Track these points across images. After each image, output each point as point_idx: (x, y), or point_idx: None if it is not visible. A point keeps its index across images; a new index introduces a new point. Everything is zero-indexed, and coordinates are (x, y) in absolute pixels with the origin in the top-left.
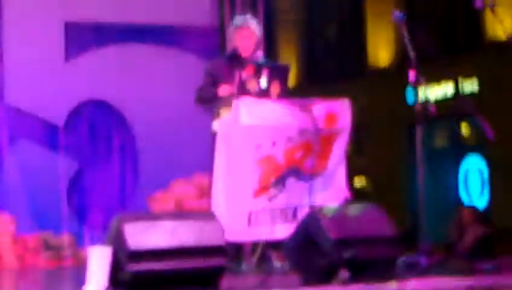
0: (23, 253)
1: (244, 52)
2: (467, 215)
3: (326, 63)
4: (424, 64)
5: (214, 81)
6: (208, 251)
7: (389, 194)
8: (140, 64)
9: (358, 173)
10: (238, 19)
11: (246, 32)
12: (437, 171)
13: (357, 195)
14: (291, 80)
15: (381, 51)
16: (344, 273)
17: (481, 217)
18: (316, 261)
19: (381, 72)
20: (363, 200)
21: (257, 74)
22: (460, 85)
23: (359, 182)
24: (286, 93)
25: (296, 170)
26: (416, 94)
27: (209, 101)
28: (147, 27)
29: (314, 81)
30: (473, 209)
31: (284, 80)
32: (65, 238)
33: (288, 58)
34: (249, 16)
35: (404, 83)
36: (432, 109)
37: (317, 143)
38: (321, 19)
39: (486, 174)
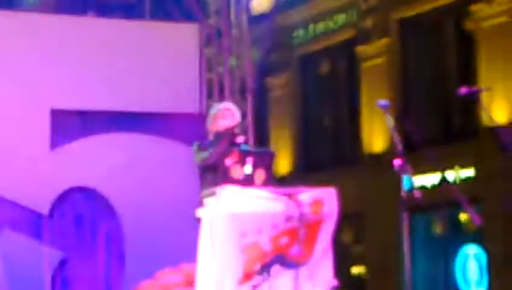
0: None
1: (227, 129)
2: None
3: (319, 151)
4: (417, 152)
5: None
6: None
7: (386, 282)
8: (127, 152)
9: (357, 262)
10: (217, 105)
11: (227, 112)
12: (436, 259)
13: (352, 284)
14: (285, 168)
15: (376, 138)
16: None
17: None
18: None
19: (376, 159)
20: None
21: (241, 161)
22: (455, 172)
23: (355, 270)
24: (271, 180)
25: (281, 257)
26: (403, 182)
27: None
28: (133, 115)
29: (307, 170)
30: None
31: (268, 167)
32: None
33: (281, 147)
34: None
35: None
36: (418, 195)
37: (302, 229)
38: (314, 109)
39: (484, 262)
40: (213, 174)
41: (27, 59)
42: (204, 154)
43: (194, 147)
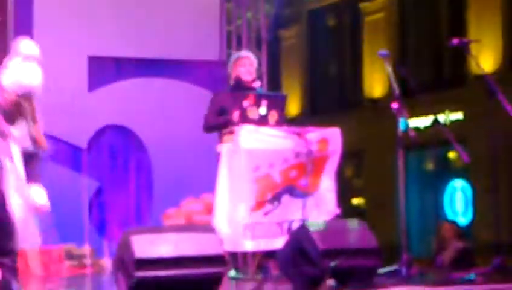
0: (48, 262)
1: (245, 77)
2: (447, 231)
3: (325, 95)
4: (412, 97)
5: (219, 111)
6: (207, 260)
7: (383, 212)
8: (155, 95)
9: (357, 194)
10: (237, 53)
11: (246, 60)
12: (426, 192)
13: (352, 213)
14: (295, 110)
15: (376, 85)
16: (330, 282)
17: (460, 232)
18: (305, 270)
19: (376, 103)
20: (359, 218)
21: (257, 103)
22: (446, 116)
23: (355, 201)
24: (283, 120)
25: (291, 188)
26: (399, 123)
27: (215, 128)
28: (161, 61)
29: (315, 112)
30: (453, 224)
31: (281, 109)
32: (86, 250)
33: (292, 91)
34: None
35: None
36: (412, 134)
37: (310, 164)
38: (321, 59)
39: (470, 195)
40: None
41: (70, 13)
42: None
43: (215, 93)
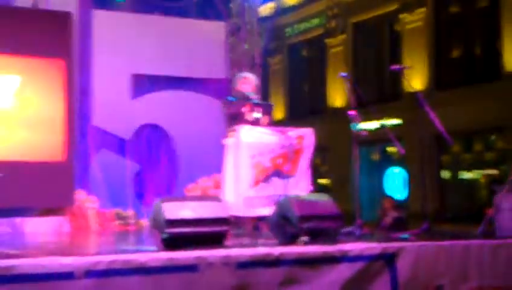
0: (103, 221)
1: (247, 92)
2: (386, 203)
3: (301, 105)
4: (363, 107)
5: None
6: (217, 221)
7: (342, 189)
8: (179, 102)
9: (323, 176)
10: (242, 73)
11: (248, 79)
12: (373, 175)
13: (321, 190)
14: (280, 115)
15: (337, 98)
16: (304, 238)
17: (396, 204)
18: (287, 230)
19: (337, 111)
20: (322, 192)
21: (253, 109)
22: (388, 121)
23: (323, 181)
24: (271, 122)
25: (277, 171)
26: (354, 126)
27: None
28: (183, 78)
29: (294, 117)
30: (391, 199)
31: (270, 114)
32: (130, 213)
33: (277, 102)
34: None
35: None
36: (363, 134)
37: (291, 154)
38: (298, 79)
39: (406, 177)
40: (234, 118)
41: (118, 45)
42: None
43: (223, 102)
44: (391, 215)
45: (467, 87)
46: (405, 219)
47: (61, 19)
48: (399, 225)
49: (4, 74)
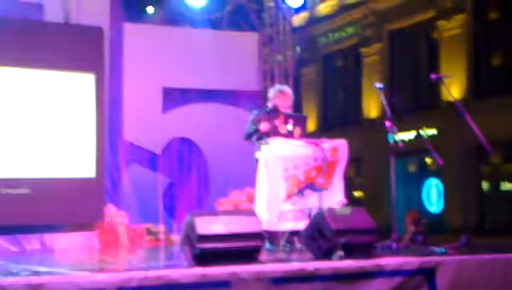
0: (133, 237)
1: (283, 109)
2: (407, 218)
3: (334, 116)
4: (399, 117)
5: (255, 124)
6: (250, 236)
7: (377, 202)
8: (210, 116)
9: (357, 188)
10: (281, 86)
11: (286, 96)
12: (410, 187)
13: (355, 202)
14: (312, 127)
15: (372, 108)
16: (340, 253)
17: (416, 219)
18: (321, 244)
19: (372, 121)
20: (357, 206)
21: (285, 122)
22: (425, 131)
23: (357, 194)
24: (305, 135)
25: (311, 184)
26: (390, 137)
27: (249, 135)
28: (215, 91)
29: (327, 128)
30: (413, 212)
31: (303, 126)
32: (161, 228)
33: (310, 113)
34: (287, 86)
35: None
36: (400, 145)
37: (325, 166)
38: (332, 89)
39: (442, 190)
40: (267, 131)
41: (150, 59)
42: (250, 128)
43: (251, 116)
44: (410, 231)
45: (507, 95)
46: (424, 234)
47: (93, 33)
48: (415, 241)
49: (36, 88)
